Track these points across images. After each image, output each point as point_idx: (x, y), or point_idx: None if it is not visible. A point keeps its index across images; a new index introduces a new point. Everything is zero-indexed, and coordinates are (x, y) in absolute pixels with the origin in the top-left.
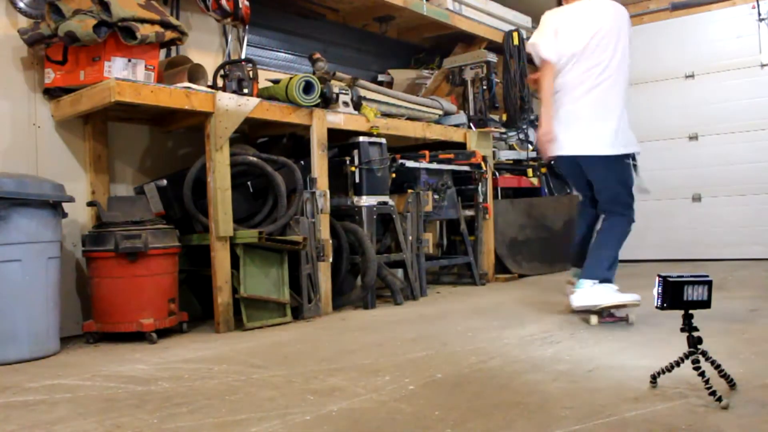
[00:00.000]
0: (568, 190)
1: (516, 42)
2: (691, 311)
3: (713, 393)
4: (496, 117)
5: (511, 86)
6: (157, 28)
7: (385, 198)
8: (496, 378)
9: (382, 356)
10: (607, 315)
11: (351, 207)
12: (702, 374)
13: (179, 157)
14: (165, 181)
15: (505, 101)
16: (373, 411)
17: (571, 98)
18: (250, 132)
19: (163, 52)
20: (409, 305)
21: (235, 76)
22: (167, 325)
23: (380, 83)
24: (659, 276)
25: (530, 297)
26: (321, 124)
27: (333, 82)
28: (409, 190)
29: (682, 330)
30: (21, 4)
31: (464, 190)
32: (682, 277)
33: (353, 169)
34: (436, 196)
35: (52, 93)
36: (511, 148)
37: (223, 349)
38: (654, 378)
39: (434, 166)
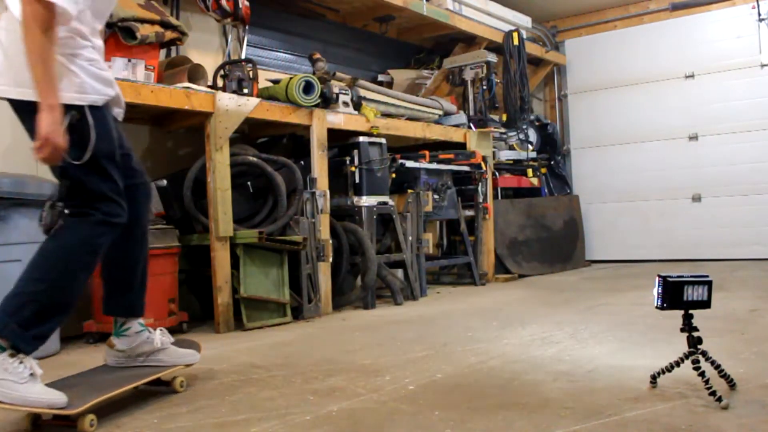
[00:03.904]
0: (568, 190)
1: (516, 42)
2: (691, 311)
3: (713, 393)
4: (496, 117)
5: (511, 86)
6: (157, 28)
7: (385, 198)
8: (496, 378)
9: (382, 356)
10: None
11: (351, 207)
12: (702, 374)
13: (179, 157)
14: (165, 181)
15: (505, 101)
16: (373, 411)
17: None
18: (250, 132)
19: (163, 52)
20: (409, 305)
21: (235, 76)
22: (167, 325)
23: (380, 83)
24: (659, 276)
25: (530, 297)
26: (321, 124)
27: (333, 82)
28: (409, 190)
29: (682, 330)
30: None
31: (464, 190)
32: (682, 277)
33: (353, 169)
34: (436, 196)
35: None
36: (511, 148)
37: (223, 349)
38: (654, 378)
39: (434, 166)
